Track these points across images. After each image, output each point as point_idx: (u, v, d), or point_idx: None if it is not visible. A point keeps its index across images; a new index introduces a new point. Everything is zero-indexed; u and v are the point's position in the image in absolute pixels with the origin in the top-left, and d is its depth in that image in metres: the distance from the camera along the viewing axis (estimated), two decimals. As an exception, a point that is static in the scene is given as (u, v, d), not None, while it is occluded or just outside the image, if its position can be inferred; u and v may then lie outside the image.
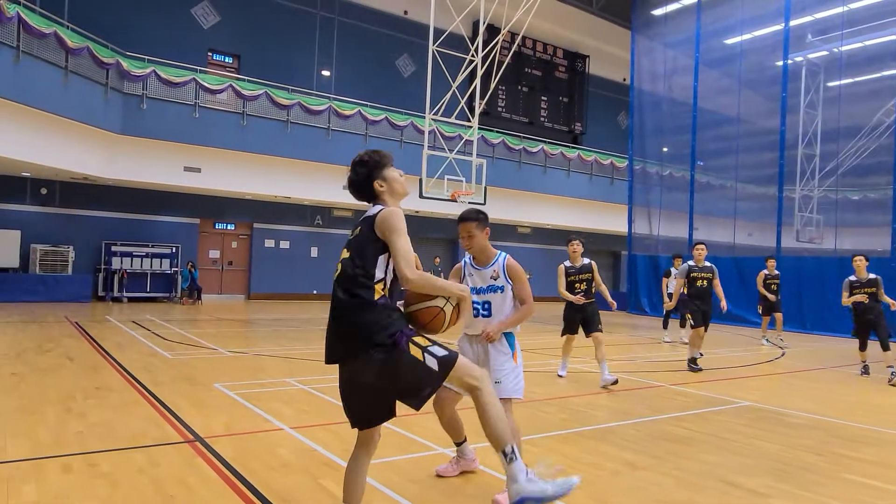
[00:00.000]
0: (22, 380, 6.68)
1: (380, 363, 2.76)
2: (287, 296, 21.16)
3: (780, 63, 18.24)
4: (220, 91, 17.87)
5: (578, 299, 7.87)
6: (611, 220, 25.47)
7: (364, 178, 3.01)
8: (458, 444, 4.13)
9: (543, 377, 8.18)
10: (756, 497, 3.91)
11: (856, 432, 5.65)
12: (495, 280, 3.98)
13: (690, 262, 9.24)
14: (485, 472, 4.19)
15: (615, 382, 7.36)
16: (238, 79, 18.64)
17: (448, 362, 2.83)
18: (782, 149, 17.98)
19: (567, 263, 8.09)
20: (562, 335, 8.25)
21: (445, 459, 4.43)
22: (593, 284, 8.02)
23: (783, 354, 11.65)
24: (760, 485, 4.14)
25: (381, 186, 3.03)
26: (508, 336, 4.00)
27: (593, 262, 8.10)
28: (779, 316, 13.04)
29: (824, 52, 20.37)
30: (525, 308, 3.96)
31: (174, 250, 19.32)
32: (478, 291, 4.00)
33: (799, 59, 20.15)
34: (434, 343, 2.91)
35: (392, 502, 3.67)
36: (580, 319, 8.01)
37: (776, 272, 13.01)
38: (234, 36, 20.50)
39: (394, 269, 2.87)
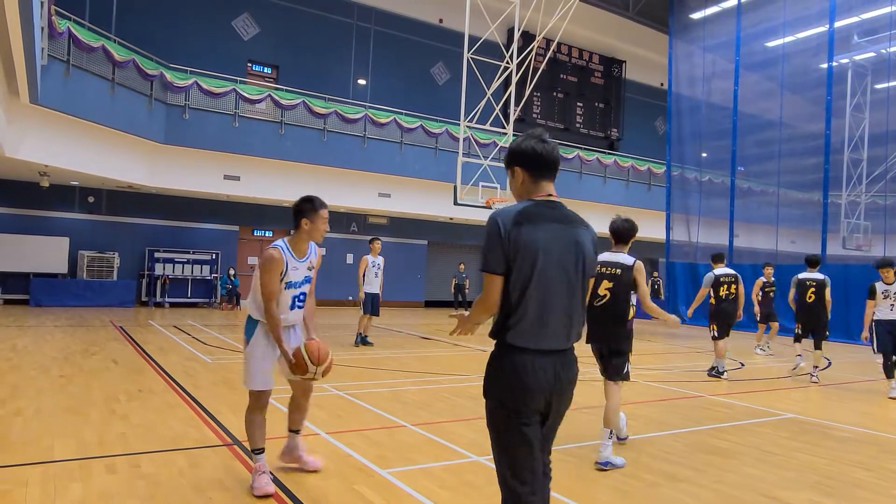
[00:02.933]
0: (69, 381, 6.90)
1: None
2: (323, 302, 21.38)
3: (825, 65, 17.72)
4: (260, 101, 18.23)
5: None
6: (648, 226, 25.05)
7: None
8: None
9: (580, 385, 8.07)
10: (800, 512, 3.79)
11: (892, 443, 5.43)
12: (310, 271, 4.05)
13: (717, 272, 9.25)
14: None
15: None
16: (276, 88, 19.00)
17: None
18: (827, 153, 17.45)
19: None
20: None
21: (480, 467, 4.41)
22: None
23: (742, 366, 11.28)
24: (804, 500, 4.01)
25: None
26: (250, 324, 3.98)
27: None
28: (774, 325, 12.55)
29: (871, 54, 19.76)
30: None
31: (214, 257, 19.75)
32: (299, 285, 3.99)
33: (844, 60, 19.59)
34: None
35: (426, 509, 3.66)
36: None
37: (773, 279, 12.57)
38: (273, 47, 20.91)
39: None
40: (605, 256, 5.17)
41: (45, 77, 12.58)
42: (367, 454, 4.61)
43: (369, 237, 12.61)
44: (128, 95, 15.55)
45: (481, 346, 11.72)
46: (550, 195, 2.49)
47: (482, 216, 19.75)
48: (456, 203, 16.09)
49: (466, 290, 22.53)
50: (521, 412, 2.33)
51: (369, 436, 5.14)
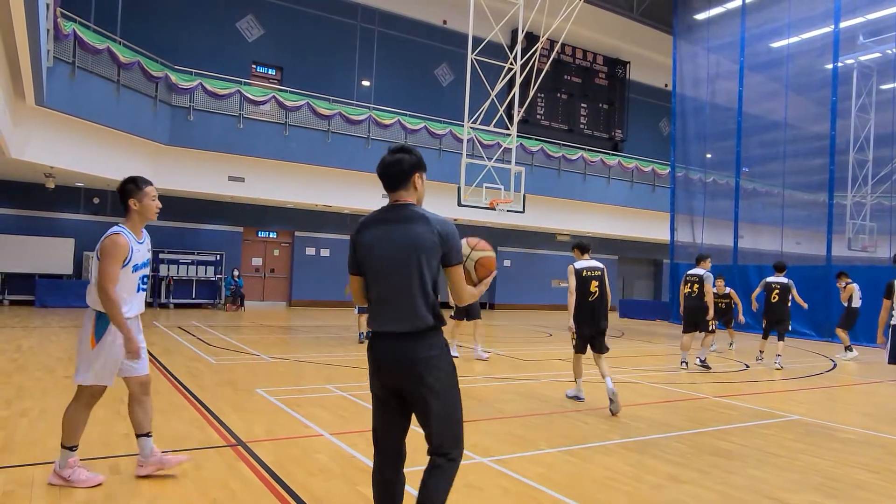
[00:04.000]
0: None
1: None
2: (327, 303, 21.43)
3: (830, 66, 17.65)
4: (264, 102, 18.27)
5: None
6: (652, 228, 25.05)
7: None
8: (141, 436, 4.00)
9: (584, 387, 8.06)
10: (805, 514, 3.78)
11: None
12: (150, 253, 4.09)
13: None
14: (525, 482, 4.15)
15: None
16: (281, 90, 19.04)
17: None
18: (832, 154, 17.40)
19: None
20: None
21: (484, 469, 4.41)
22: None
23: (747, 367, 11.23)
24: (808, 502, 4.00)
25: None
26: (102, 318, 3.78)
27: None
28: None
29: (877, 54, 19.67)
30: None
31: (218, 258, 19.80)
32: (144, 266, 3.96)
33: (850, 61, 19.51)
34: None
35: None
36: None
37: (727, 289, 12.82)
38: (277, 48, 20.96)
39: None
40: (585, 264, 6.88)
41: (50, 79, 12.63)
42: (370, 455, 4.59)
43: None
44: (133, 97, 15.61)
45: (484, 347, 11.71)
46: (398, 200, 2.82)
47: (486, 218, 19.76)
48: (460, 204, 16.08)
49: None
50: (372, 384, 2.83)
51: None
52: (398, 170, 2.82)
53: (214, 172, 17.77)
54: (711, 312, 9.85)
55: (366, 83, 22.29)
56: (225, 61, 19.37)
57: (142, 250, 3.92)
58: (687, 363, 10.05)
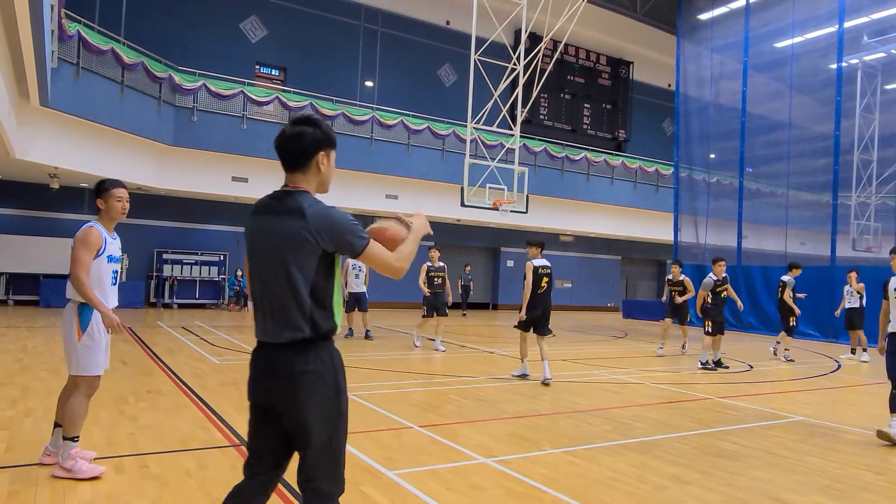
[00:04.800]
0: (78, 382, 6.93)
1: None
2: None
3: (834, 66, 17.59)
4: (267, 103, 18.30)
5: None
6: (656, 228, 25.00)
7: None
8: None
9: (588, 387, 8.07)
10: (809, 516, 3.77)
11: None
12: (120, 251, 4.38)
13: (713, 276, 10.45)
14: (528, 483, 4.15)
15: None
16: (284, 90, 19.07)
17: None
18: (837, 154, 17.34)
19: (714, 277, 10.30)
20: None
21: (487, 469, 4.41)
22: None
23: (751, 368, 11.19)
24: (813, 503, 3.99)
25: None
26: (85, 310, 4.05)
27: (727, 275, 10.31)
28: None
29: (882, 54, 19.60)
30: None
31: (222, 258, 19.83)
32: (117, 260, 4.30)
33: (854, 61, 19.45)
34: None
35: (432, 511, 3.66)
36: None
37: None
38: (281, 49, 20.99)
39: None
40: (540, 262, 8.16)
41: (55, 80, 12.67)
42: (374, 455, 4.61)
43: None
44: (137, 98, 15.65)
45: (487, 347, 11.72)
46: (289, 185, 2.40)
47: (489, 218, 19.77)
48: (463, 204, 16.08)
49: (472, 292, 22.54)
50: (249, 397, 2.43)
51: (376, 437, 5.14)
52: (297, 146, 2.38)
53: (218, 173, 17.80)
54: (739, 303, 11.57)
55: (369, 84, 22.30)
56: (228, 62, 19.40)
57: (114, 244, 4.25)
58: (712, 363, 10.27)
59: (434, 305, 11.31)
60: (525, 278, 8.16)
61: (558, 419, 6.14)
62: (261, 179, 18.35)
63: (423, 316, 11.44)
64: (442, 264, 11.60)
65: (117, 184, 4.20)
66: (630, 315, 23.86)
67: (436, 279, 11.36)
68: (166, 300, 18.79)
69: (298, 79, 20.67)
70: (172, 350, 9.76)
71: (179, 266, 19.07)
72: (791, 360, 11.62)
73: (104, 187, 4.16)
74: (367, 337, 12.17)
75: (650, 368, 10.11)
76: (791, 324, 11.72)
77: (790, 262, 12.58)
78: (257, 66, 20.89)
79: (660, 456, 4.93)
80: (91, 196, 18.98)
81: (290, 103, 18.47)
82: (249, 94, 17.95)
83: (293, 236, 2.25)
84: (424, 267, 11.45)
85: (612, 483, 4.23)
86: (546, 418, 6.15)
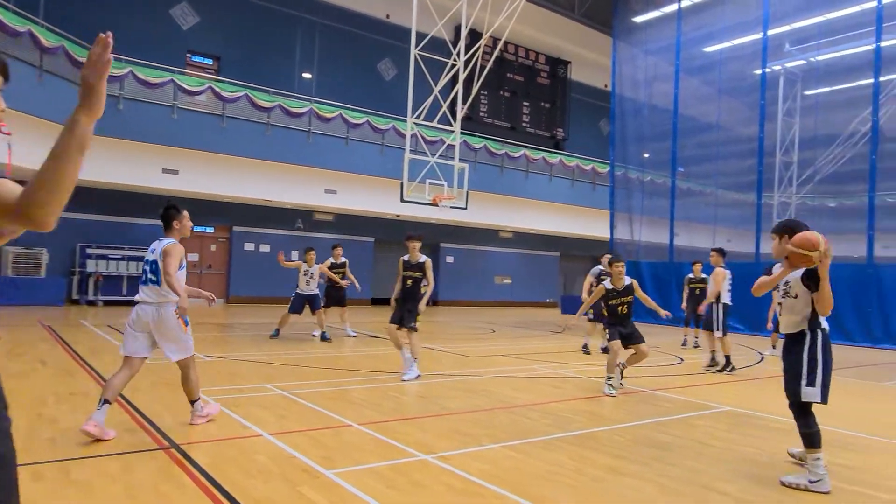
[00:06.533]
0: (-9, 385, 6.48)
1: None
2: (267, 299, 20.94)
3: (759, 71, 18.47)
4: (200, 93, 17.66)
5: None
6: (592, 225, 25.61)
7: None
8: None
9: (527, 382, 8.15)
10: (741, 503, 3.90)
11: (839, 438, 5.66)
12: (151, 254, 5.54)
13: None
14: (469, 479, 4.13)
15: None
16: (218, 80, 18.45)
17: None
18: (761, 156, 18.20)
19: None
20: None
21: (428, 466, 4.37)
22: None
23: (681, 361, 11.73)
24: (744, 490, 4.13)
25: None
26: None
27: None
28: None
29: (802, 62, 20.70)
30: None
31: (152, 253, 19.02)
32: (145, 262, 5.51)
33: (777, 67, 20.44)
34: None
35: (373, 510, 3.59)
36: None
37: (702, 276, 12.60)
38: (214, 37, 20.30)
39: None
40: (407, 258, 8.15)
41: (-35, 61, 11.82)
42: (311, 455, 4.50)
43: (315, 234, 13.10)
44: (57, 84, 14.80)
45: (428, 344, 11.69)
46: None
47: (429, 214, 19.74)
48: (403, 200, 16.00)
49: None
50: None
51: (314, 436, 5.02)
52: None
53: (147, 164, 17.06)
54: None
55: (307, 76, 21.87)
56: (158, 49, 18.60)
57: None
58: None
59: (336, 298, 12.45)
60: (398, 273, 8.21)
61: (498, 414, 6.17)
62: (192, 172, 17.72)
63: (324, 306, 12.14)
64: (344, 260, 12.61)
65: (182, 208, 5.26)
66: (568, 310, 24.33)
67: (338, 273, 12.40)
68: (90, 297, 17.88)
69: (233, 69, 20.06)
70: (96, 350, 9.27)
71: (105, 261, 18.16)
72: (697, 347, 12.73)
73: (179, 211, 5.22)
74: (323, 339, 11.68)
75: (587, 363, 10.31)
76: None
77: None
78: (189, 55, 20.15)
79: (597, 448, 5.01)
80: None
81: (224, 94, 17.90)
82: (180, 83, 17.28)
83: None
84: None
85: (551, 476, 4.27)
86: (486, 414, 6.16)
